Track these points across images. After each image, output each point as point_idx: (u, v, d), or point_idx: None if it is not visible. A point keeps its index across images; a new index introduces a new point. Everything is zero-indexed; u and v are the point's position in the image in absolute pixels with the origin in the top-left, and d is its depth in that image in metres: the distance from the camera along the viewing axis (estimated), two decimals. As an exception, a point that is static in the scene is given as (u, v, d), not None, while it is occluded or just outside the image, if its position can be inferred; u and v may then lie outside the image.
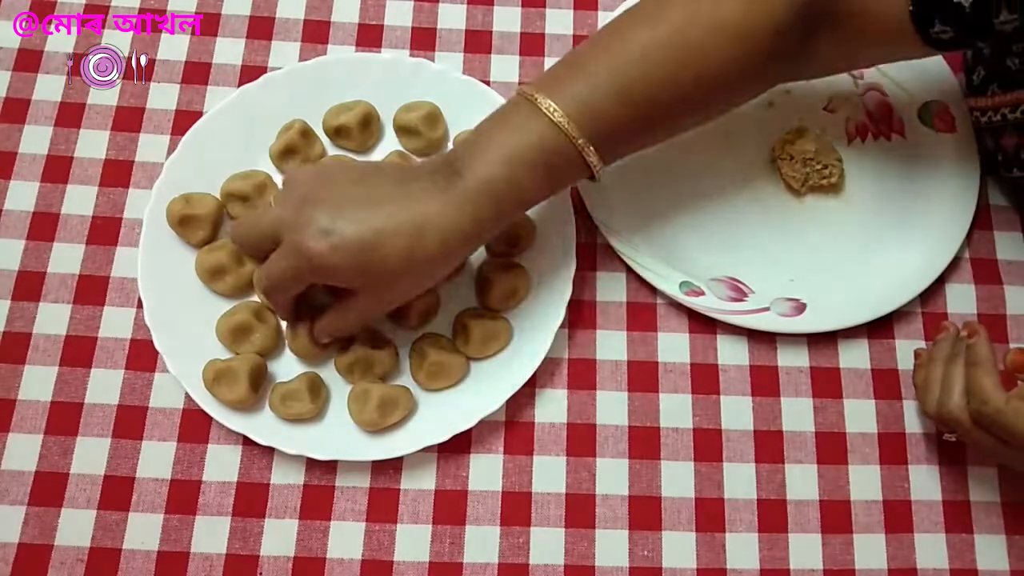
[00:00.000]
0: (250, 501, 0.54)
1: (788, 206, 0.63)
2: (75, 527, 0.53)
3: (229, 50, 0.66)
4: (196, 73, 0.65)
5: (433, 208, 0.46)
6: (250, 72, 0.65)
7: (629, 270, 0.60)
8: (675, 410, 0.57)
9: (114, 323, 0.58)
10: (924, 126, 0.64)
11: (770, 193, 0.63)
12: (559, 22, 0.68)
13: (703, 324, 0.59)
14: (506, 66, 0.66)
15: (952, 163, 0.62)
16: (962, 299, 0.60)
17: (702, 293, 0.58)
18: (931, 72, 0.64)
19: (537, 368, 0.55)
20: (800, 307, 0.59)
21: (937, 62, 0.64)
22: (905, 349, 0.59)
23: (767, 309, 0.58)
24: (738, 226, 0.62)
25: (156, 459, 0.55)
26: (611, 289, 0.60)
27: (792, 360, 0.59)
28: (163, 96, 0.64)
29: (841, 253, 0.61)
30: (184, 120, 0.63)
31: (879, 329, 0.60)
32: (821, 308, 0.59)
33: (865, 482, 0.56)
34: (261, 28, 0.66)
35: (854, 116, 0.65)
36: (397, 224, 0.46)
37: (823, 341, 0.59)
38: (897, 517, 0.55)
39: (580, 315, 0.59)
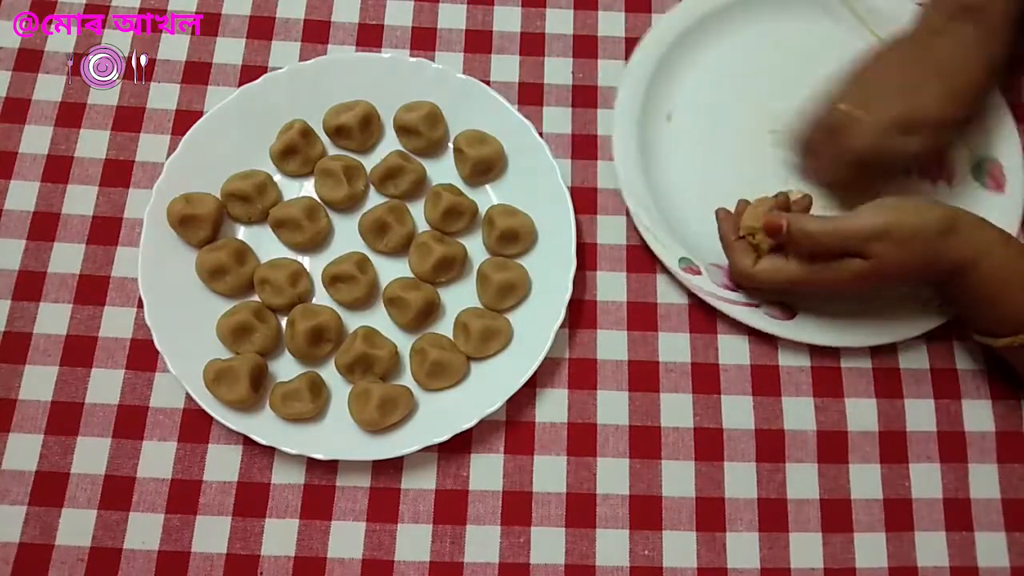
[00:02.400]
0: (250, 501, 0.54)
1: None
2: (76, 527, 0.53)
3: (229, 50, 0.66)
4: (196, 73, 0.65)
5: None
6: (250, 72, 0.65)
7: (630, 269, 0.60)
8: (676, 410, 0.57)
9: (114, 323, 0.58)
10: (975, 181, 0.63)
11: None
12: (559, 22, 0.68)
13: (703, 324, 0.59)
14: (506, 66, 0.66)
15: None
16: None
17: (699, 273, 0.59)
18: (997, 130, 0.63)
19: (537, 368, 0.55)
20: (790, 313, 0.58)
21: (1006, 121, 0.63)
22: (906, 347, 0.59)
23: (757, 306, 0.58)
24: None
25: (156, 459, 0.55)
26: (611, 289, 0.60)
27: (793, 359, 0.59)
28: (163, 96, 0.64)
29: None
30: (184, 120, 0.63)
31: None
32: (810, 320, 0.58)
33: (866, 481, 0.56)
34: (261, 28, 0.66)
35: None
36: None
37: (823, 340, 0.59)
38: (898, 516, 0.55)
39: (580, 315, 0.59)
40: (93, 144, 0.63)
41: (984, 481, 0.56)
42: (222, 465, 0.55)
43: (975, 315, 0.54)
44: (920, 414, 0.58)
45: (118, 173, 0.62)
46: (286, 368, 0.57)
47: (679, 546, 0.54)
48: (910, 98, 0.55)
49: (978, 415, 0.58)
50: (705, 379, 0.58)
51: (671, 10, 0.66)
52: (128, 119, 0.63)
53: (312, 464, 0.55)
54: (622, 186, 0.60)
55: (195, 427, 0.56)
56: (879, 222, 0.50)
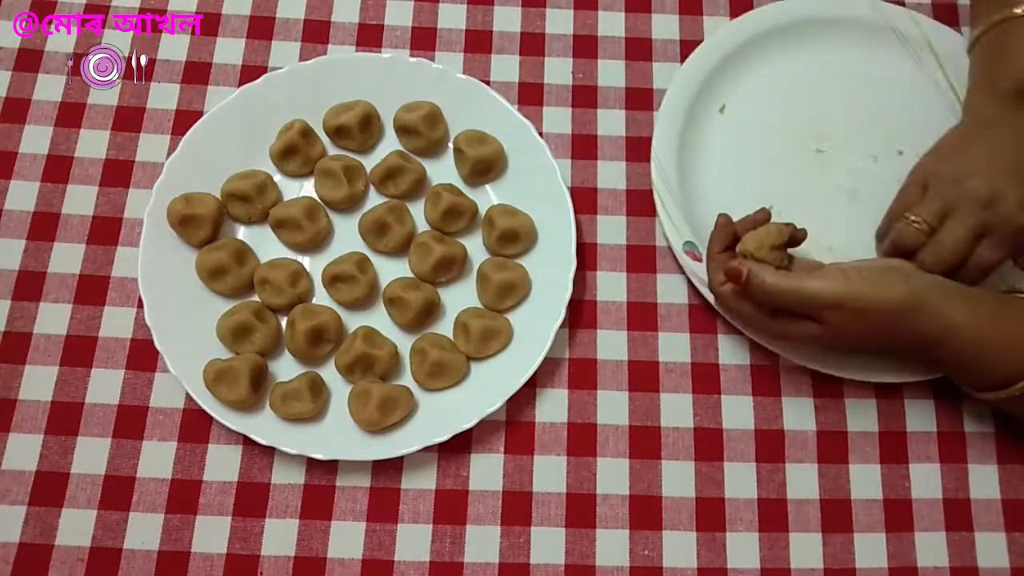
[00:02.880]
0: (250, 501, 0.54)
1: (822, 240, 0.61)
2: (76, 527, 0.53)
3: (229, 50, 0.66)
4: (196, 73, 0.65)
5: None
6: (250, 72, 0.65)
7: (630, 269, 0.60)
8: (675, 410, 0.57)
9: (114, 323, 0.58)
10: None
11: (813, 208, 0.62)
12: (559, 22, 0.68)
13: (703, 324, 0.59)
14: (506, 66, 0.66)
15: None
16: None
17: (700, 260, 0.58)
18: None
19: (537, 368, 0.55)
20: None
21: None
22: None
23: None
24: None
25: (156, 459, 0.55)
26: (611, 289, 0.60)
27: (793, 359, 0.58)
28: (163, 96, 0.64)
29: None
30: (184, 120, 0.63)
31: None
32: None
33: (865, 481, 0.56)
34: (261, 28, 0.66)
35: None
36: None
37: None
38: (897, 516, 0.55)
39: (580, 315, 0.59)
40: (93, 144, 0.63)
41: (984, 481, 0.56)
42: (222, 465, 0.55)
43: (950, 375, 0.54)
44: (920, 414, 0.57)
45: (118, 173, 0.62)
46: (286, 368, 0.57)
47: (679, 546, 0.54)
48: (992, 207, 0.52)
49: (978, 416, 0.58)
50: (705, 379, 0.58)
51: (755, 9, 0.66)
52: (128, 119, 0.63)
53: (312, 464, 0.55)
54: (653, 153, 0.61)
55: (195, 427, 0.56)
56: (837, 291, 0.49)
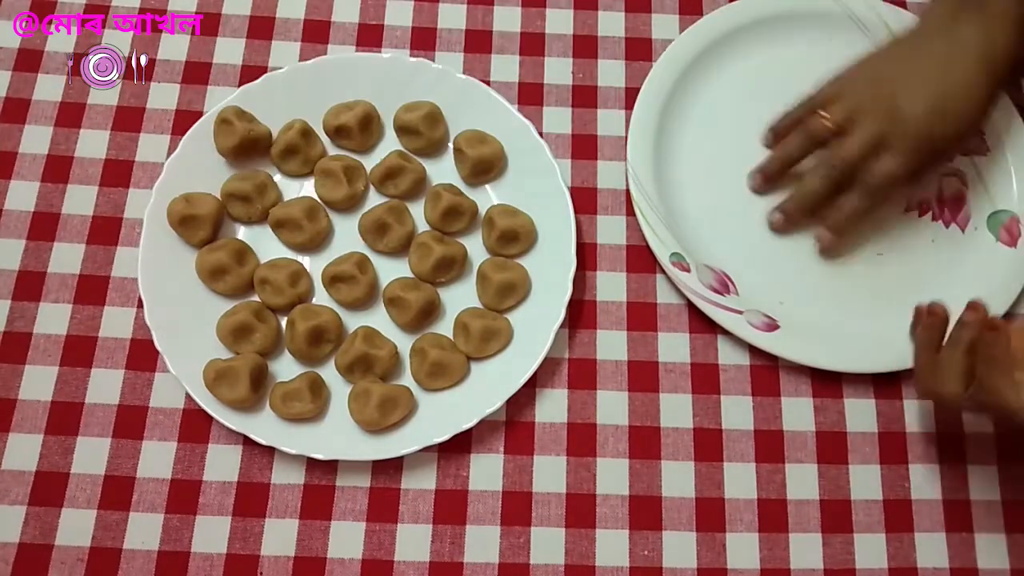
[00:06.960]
0: (250, 501, 0.54)
1: (809, 240, 0.61)
2: (75, 527, 0.53)
3: (229, 50, 0.66)
4: (196, 73, 0.65)
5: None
6: (250, 72, 0.65)
7: (630, 269, 0.60)
8: (675, 410, 0.57)
9: (114, 323, 0.58)
10: (988, 231, 0.61)
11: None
12: (559, 22, 0.68)
13: (703, 324, 0.59)
14: (506, 66, 0.66)
15: (997, 275, 0.60)
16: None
17: (688, 271, 0.58)
18: (1021, 183, 0.62)
19: (537, 368, 0.55)
20: (773, 326, 0.58)
21: None
22: (905, 349, 0.59)
23: (740, 312, 0.58)
24: (756, 235, 0.61)
25: (156, 459, 0.55)
26: (611, 289, 0.60)
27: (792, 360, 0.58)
28: (163, 96, 0.64)
29: (842, 303, 0.60)
30: (184, 120, 0.63)
31: (879, 329, 0.59)
32: (792, 336, 0.57)
33: (865, 481, 0.56)
34: (261, 28, 0.66)
35: (925, 191, 0.63)
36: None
37: (823, 341, 0.59)
38: (897, 516, 0.55)
39: (580, 315, 0.59)
40: (93, 144, 0.63)
41: (984, 482, 0.56)
42: (222, 465, 0.55)
43: None
44: (920, 415, 0.57)
45: (118, 173, 0.62)
46: (286, 368, 0.57)
47: (679, 546, 0.54)
48: (895, 117, 0.54)
49: (977, 416, 0.58)
50: (705, 379, 0.58)
51: (716, 10, 0.66)
52: (128, 119, 0.63)
53: (312, 464, 0.55)
54: (629, 170, 0.60)
55: (195, 427, 0.56)
56: None
